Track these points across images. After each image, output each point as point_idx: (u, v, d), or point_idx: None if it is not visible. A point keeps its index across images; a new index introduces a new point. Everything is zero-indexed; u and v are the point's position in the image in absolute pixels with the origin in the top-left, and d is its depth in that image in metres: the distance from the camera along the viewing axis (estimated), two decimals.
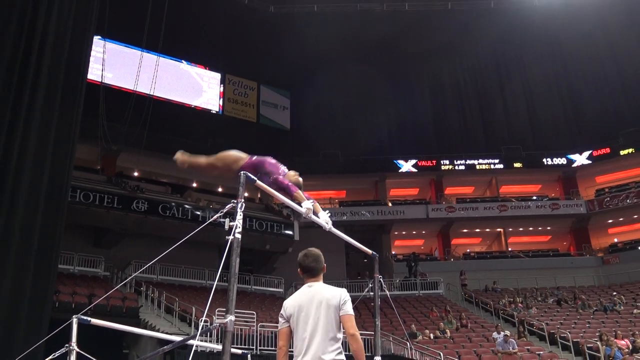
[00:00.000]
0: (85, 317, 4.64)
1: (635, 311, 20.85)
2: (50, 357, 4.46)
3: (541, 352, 16.56)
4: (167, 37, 22.62)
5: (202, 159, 5.47)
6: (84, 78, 11.72)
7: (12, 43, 10.13)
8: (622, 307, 21.74)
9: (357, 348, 3.57)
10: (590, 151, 33.16)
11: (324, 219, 5.05)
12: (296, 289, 21.48)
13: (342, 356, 3.58)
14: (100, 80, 21.13)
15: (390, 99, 35.84)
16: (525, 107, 36.05)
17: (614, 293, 24.02)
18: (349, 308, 3.66)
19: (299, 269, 3.90)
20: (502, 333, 16.99)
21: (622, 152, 32.15)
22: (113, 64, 27.43)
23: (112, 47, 28.17)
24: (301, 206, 4.73)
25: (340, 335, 3.62)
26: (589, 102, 34.23)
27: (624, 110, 32.57)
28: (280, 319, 3.76)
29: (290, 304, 3.74)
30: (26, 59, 10.25)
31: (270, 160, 5.15)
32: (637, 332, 16.79)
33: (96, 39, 21.25)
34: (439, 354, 14.97)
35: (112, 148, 25.21)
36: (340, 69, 32.38)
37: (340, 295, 3.71)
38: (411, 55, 34.14)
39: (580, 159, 33.51)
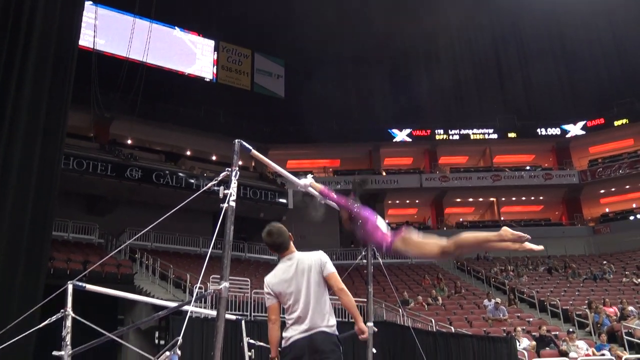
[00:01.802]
0: (80, 283, 4.67)
1: (624, 279, 21.16)
2: (46, 322, 4.50)
3: (531, 319, 16.84)
4: (159, 2, 22.25)
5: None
6: (75, 44, 11.54)
7: (1, 8, 9.95)
8: (611, 276, 22.05)
9: (347, 301, 3.73)
10: (585, 122, 33.21)
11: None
12: None
13: (334, 320, 3.71)
14: (92, 46, 20.83)
15: (386, 69, 35.61)
16: (520, 77, 35.90)
17: (604, 262, 24.33)
18: (330, 267, 3.78)
19: (270, 249, 3.99)
20: (493, 300, 17.24)
21: (616, 123, 32.22)
22: (105, 30, 27.02)
23: (104, 12, 27.74)
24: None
25: (327, 298, 3.75)
26: (584, 72, 34.11)
27: (620, 81, 32.51)
28: (267, 296, 3.85)
29: (275, 282, 3.81)
30: (16, 24, 10.08)
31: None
32: (625, 300, 17.07)
33: (88, 4, 20.91)
34: (431, 321, 15.20)
35: (105, 115, 25.03)
36: (335, 38, 32.04)
37: (320, 258, 3.81)
38: (407, 27, 33.78)
39: (575, 129, 33.57)
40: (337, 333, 3.70)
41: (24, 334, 5.04)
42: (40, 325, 4.61)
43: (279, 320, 3.81)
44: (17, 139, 9.71)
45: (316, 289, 3.69)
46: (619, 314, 16.02)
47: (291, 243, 3.90)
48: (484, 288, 21.85)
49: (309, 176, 4.68)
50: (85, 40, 21.54)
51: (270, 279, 3.85)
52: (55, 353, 4.35)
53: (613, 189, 32.00)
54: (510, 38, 36.13)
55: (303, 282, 3.71)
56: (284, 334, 3.71)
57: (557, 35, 35.22)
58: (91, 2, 23.35)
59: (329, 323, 3.66)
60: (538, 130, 33.95)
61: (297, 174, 4.82)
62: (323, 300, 3.70)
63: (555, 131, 33.82)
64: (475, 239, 3.66)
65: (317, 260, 3.78)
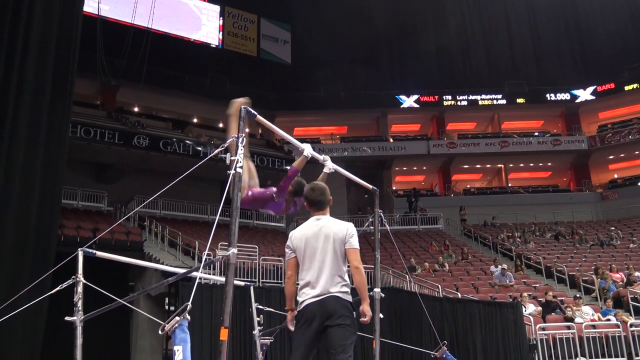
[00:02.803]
0: (90, 250, 4.72)
1: (631, 245, 21.11)
2: (57, 288, 4.56)
3: (537, 285, 16.90)
4: None
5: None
6: (80, 10, 11.43)
7: None
8: (618, 242, 22.01)
9: (360, 280, 3.73)
10: (595, 86, 32.80)
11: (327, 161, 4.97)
12: (297, 224, 21.69)
13: (348, 288, 3.73)
14: (97, 12, 20.65)
15: (393, 34, 35.14)
16: (530, 42, 35.34)
17: (612, 228, 24.27)
18: (354, 242, 3.77)
19: (305, 203, 3.98)
20: (500, 266, 17.30)
21: (626, 88, 31.80)
22: None
23: None
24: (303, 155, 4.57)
25: (345, 269, 3.75)
26: (595, 36, 33.53)
27: (631, 45, 31.91)
28: (287, 250, 3.89)
29: (297, 236, 3.84)
30: None
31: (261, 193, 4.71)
32: (631, 266, 17.07)
33: None
34: (437, 287, 15.29)
35: (112, 83, 24.94)
36: (342, 3, 31.55)
37: (347, 229, 3.79)
38: None
39: (584, 94, 33.18)
40: (350, 299, 3.72)
41: (36, 300, 5.13)
42: (52, 292, 4.67)
43: (295, 276, 3.85)
44: (23, 107, 9.71)
45: (333, 256, 3.70)
46: (625, 279, 16.05)
47: (328, 207, 3.94)
48: (491, 254, 21.91)
49: (309, 147, 4.60)
50: (90, 6, 21.34)
51: (293, 232, 3.92)
52: (67, 318, 4.42)
53: (622, 155, 31.76)
54: (520, 1, 35.42)
55: (321, 245, 3.72)
56: (298, 299, 3.75)
57: None
58: None
59: (342, 289, 3.68)
60: (547, 95, 33.59)
61: (304, 141, 4.79)
62: (338, 269, 3.70)
63: (565, 96, 33.45)
64: None
65: (344, 230, 3.77)
